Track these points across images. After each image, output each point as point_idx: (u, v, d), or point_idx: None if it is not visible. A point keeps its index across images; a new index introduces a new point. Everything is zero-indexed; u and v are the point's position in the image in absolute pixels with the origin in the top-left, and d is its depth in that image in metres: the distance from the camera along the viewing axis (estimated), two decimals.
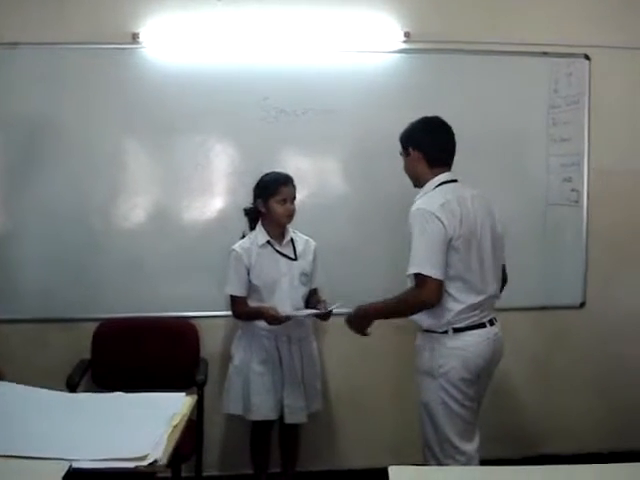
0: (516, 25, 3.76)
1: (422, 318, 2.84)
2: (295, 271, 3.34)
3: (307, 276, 3.38)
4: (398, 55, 3.72)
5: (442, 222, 2.72)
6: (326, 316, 3.33)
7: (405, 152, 2.99)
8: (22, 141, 3.56)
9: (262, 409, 3.32)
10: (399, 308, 2.86)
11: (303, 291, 3.37)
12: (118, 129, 3.63)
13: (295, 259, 3.35)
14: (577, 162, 3.86)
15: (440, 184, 2.88)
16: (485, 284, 2.85)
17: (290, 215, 3.31)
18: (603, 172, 3.87)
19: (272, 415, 3.35)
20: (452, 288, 2.77)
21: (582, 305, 3.94)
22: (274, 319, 3.17)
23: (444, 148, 2.96)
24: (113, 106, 3.59)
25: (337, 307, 3.22)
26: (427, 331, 2.86)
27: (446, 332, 2.80)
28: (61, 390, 3.01)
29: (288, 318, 3.19)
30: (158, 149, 3.66)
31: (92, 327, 3.56)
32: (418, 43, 3.70)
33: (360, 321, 2.96)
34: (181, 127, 3.63)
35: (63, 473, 1.90)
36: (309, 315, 3.32)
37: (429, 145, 2.92)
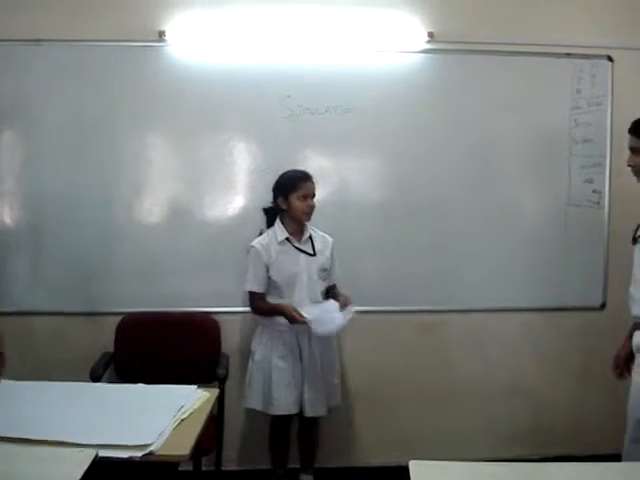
0: (539, 26, 3.75)
1: None
2: (314, 266, 3.37)
3: (326, 271, 3.41)
4: (421, 55, 3.72)
5: None
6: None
7: None
8: (46, 137, 3.58)
9: (284, 403, 3.36)
10: None
11: (322, 286, 3.40)
12: (143, 126, 3.66)
13: (314, 255, 3.38)
14: (599, 163, 3.84)
15: None
16: None
17: (310, 212, 3.33)
18: (625, 173, 3.81)
19: (293, 409, 3.38)
20: None
21: (603, 306, 3.92)
22: (294, 320, 3.20)
23: None
24: (138, 103, 3.62)
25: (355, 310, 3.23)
26: None
27: None
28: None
29: (309, 322, 3.19)
30: (182, 146, 3.69)
31: (115, 321, 3.60)
32: (441, 43, 3.70)
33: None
34: (205, 124, 3.66)
35: (90, 461, 1.94)
36: (331, 311, 3.26)
37: None
